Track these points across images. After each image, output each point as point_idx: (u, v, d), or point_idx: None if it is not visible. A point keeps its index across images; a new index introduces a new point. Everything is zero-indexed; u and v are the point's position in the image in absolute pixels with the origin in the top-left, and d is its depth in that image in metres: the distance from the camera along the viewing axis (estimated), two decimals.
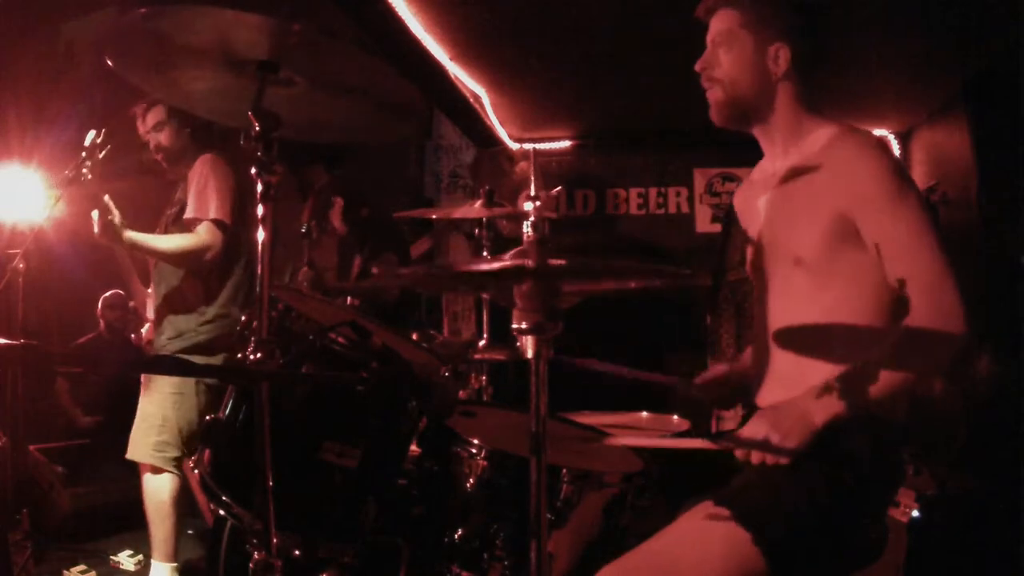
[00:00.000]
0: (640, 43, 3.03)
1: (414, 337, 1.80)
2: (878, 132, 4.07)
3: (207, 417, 1.71)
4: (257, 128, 1.35)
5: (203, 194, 2.76)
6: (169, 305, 2.85)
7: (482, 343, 2.31)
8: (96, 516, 3.84)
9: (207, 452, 1.69)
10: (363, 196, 3.47)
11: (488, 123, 3.98)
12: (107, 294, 5.25)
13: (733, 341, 3.77)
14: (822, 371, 1.45)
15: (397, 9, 2.72)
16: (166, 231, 2.88)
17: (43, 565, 3.23)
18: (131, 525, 3.59)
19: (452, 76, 3.32)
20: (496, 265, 1.02)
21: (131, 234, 2.65)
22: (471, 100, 3.63)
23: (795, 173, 1.57)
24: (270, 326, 1.39)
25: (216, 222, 2.74)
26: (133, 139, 2.95)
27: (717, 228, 4.27)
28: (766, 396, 1.61)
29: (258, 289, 1.37)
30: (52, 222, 2.88)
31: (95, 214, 2.58)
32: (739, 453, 1.42)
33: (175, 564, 2.77)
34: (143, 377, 2.84)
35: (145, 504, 2.78)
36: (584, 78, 3.49)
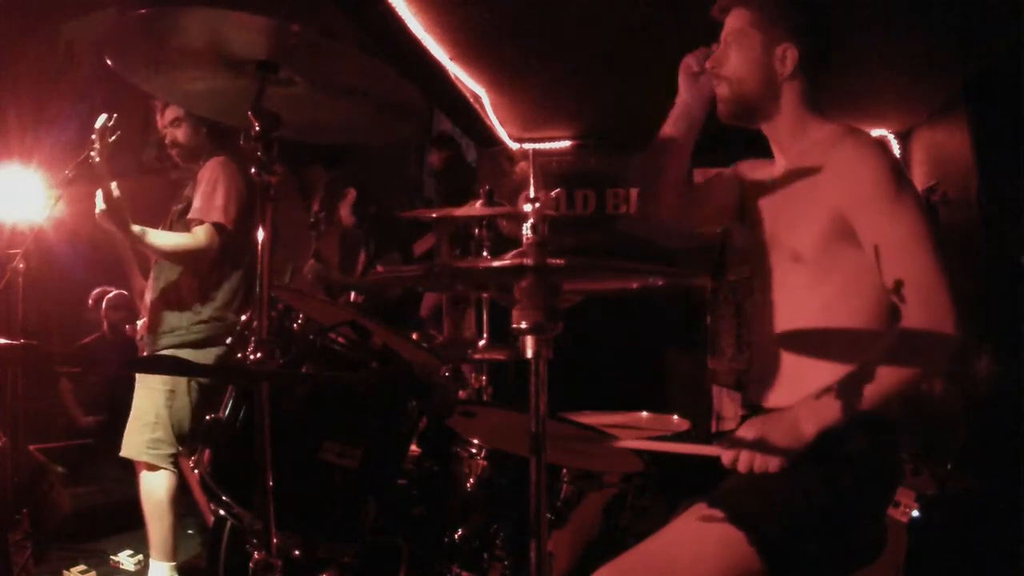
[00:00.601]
0: (640, 43, 3.03)
1: (414, 337, 1.79)
2: (878, 132, 4.07)
3: (207, 417, 1.71)
4: (257, 128, 1.35)
5: (210, 196, 2.76)
6: (165, 300, 2.85)
7: (482, 343, 2.31)
8: (96, 516, 3.84)
9: (207, 452, 1.69)
10: (374, 192, 3.48)
11: (488, 123, 3.98)
12: (111, 294, 5.25)
13: (733, 341, 3.77)
14: (820, 368, 1.47)
15: (397, 9, 2.72)
16: (171, 227, 2.89)
17: (43, 565, 3.22)
18: (131, 525, 3.59)
19: (452, 76, 3.32)
20: (496, 263, 1.02)
21: (131, 226, 2.65)
22: (471, 100, 3.63)
23: (798, 174, 1.59)
24: (270, 326, 1.39)
25: (216, 225, 2.74)
26: (133, 138, 2.95)
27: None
28: (766, 394, 1.62)
29: (258, 289, 1.37)
30: (52, 222, 2.88)
31: (99, 194, 2.58)
32: (725, 460, 1.43)
33: (174, 563, 2.76)
34: (135, 375, 2.84)
35: (142, 503, 2.77)
36: (584, 78, 3.49)
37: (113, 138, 2.59)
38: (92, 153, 2.57)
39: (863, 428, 1.43)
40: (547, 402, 1.07)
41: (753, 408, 1.64)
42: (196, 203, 2.77)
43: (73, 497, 3.83)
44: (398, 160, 5.45)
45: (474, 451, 1.83)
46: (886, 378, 1.38)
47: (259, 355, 1.34)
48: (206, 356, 2.78)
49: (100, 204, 2.58)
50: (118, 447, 2.80)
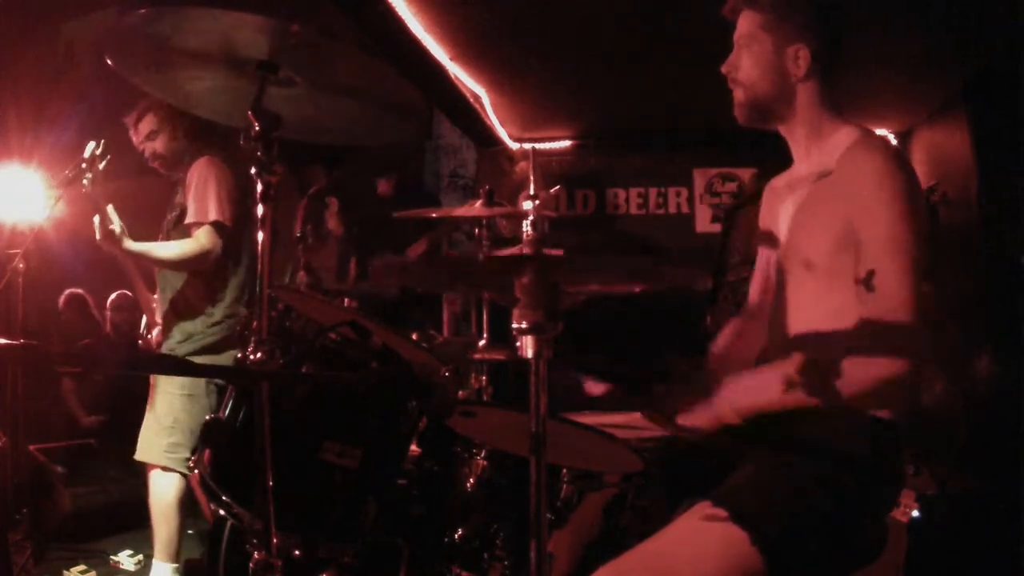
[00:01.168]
0: (640, 43, 3.03)
1: (414, 337, 1.79)
2: (878, 132, 4.07)
3: (207, 417, 1.72)
4: (257, 128, 1.35)
5: (203, 197, 2.76)
6: (175, 310, 2.86)
7: (482, 343, 2.31)
8: (96, 516, 3.84)
9: (207, 452, 1.69)
10: (358, 195, 3.47)
11: (488, 123, 3.98)
12: (114, 295, 5.25)
13: None
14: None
15: (397, 9, 2.72)
16: (168, 236, 2.88)
17: (43, 565, 3.23)
18: (131, 525, 3.60)
19: (452, 76, 3.32)
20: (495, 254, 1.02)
21: (131, 244, 2.65)
22: (471, 100, 3.63)
23: (814, 181, 1.60)
24: (270, 326, 1.39)
25: (215, 224, 2.74)
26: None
27: (717, 228, 4.26)
28: None
29: (258, 289, 1.37)
30: (52, 222, 2.88)
31: (96, 220, 2.58)
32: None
33: (177, 564, 2.77)
34: (152, 379, 2.84)
35: (150, 504, 2.78)
36: (584, 78, 3.49)
37: (103, 164, 2.60)
38: (84, 181, 2.57)
39: (863, 429, 1.43)
40: (547, 402, 1.07)
41: None
42: (191, 207, 2.76)
43: (73, 497, 3.83)
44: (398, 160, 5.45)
45: (474, 451, 1.83)
46: (858, 368, 1.38)
47: (259, 355, 1.34)
48: (226, 360, 2.78)
49: (98, 231, 2.59)
50: (119, 447, 2.81)
